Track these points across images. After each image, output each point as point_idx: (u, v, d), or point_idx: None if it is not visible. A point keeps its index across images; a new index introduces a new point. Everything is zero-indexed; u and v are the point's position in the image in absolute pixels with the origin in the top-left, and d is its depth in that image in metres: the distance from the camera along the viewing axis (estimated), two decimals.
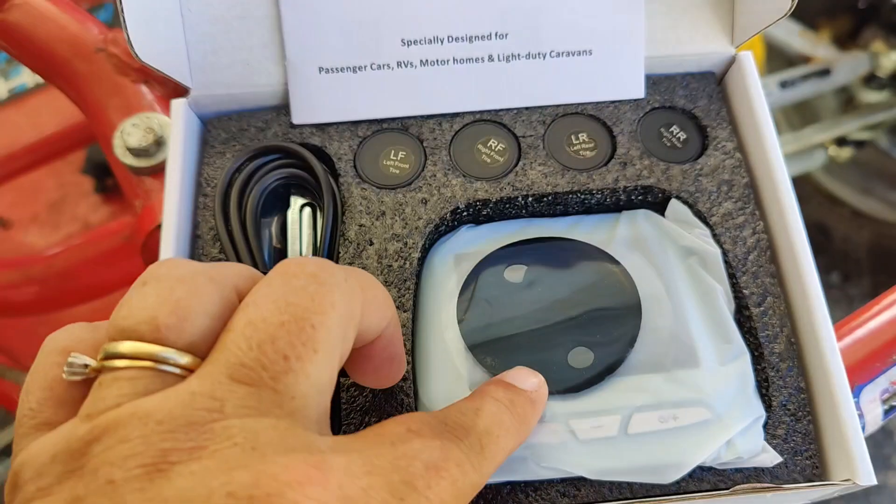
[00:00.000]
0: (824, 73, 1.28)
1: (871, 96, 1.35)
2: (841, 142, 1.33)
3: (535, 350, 0.41)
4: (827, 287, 1.44)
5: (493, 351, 0.40)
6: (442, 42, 0.45)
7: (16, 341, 0.81)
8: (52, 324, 0.76)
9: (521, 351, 0.41)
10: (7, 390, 0.81)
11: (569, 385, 0.40)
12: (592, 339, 0.41)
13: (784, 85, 1.25)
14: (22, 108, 0.91)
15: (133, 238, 0.63)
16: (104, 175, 0.89)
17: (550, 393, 0.39)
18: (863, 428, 0.52)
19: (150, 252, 0.54)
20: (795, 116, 1.45)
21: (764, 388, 0.41)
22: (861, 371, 0.52)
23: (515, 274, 0.43)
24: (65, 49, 0.58)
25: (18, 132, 0.89)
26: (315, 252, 0.44)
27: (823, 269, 1.47)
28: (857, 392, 0.52)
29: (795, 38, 1.34)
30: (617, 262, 0.43)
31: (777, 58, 1.38)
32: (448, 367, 0.40)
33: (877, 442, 1.38)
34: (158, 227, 0.52)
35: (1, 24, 0.57)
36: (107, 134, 0.58)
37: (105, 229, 0.83)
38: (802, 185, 1.47)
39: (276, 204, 0.45)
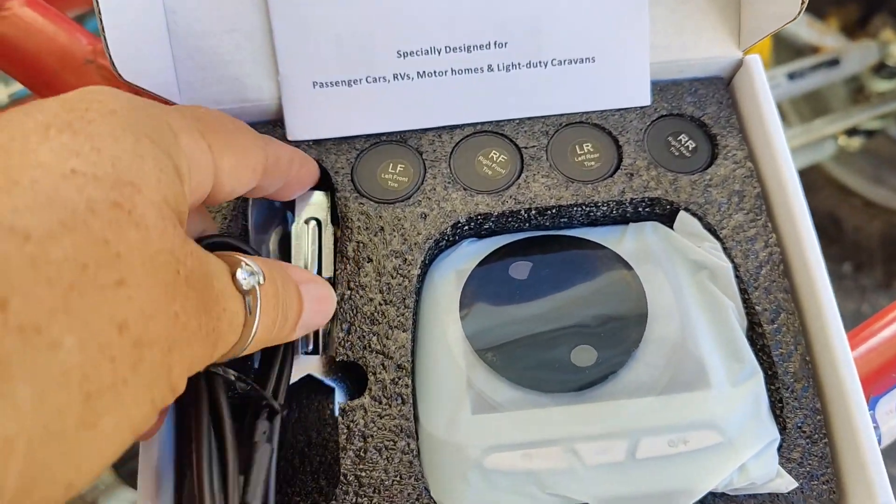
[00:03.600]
0: (833, 63, 1.25)
1: (881, 85, 1.33)
2: (851, 131, 1.31)
3: (538, 348, 0.40)
4: (839, 278, 1.42)
5: (498, 352, 0.39)
6: (439, 53, 0.43)
7: None
8: None
9: (524, 349, 0.40)
10: None
11: (571, 384, 0.38)
12: (596, 338, 0.40)
13: (792, 76, 1.23)
14: None
15: None
16: None
17: (553, 392, 0.38)
18: (879, 440, 0.51)
19: None
20: (805, 107, 1.43)
21: (778, 409, 0.39)
22: (876, 382, 0.51)
23: (521, 271, 0.42)
24: (54, 61, 0.57)
25: None
26: (319, 270, 0.42)
27: (835, 259, 1.45)
28: (872, 404, 0.51)
29: (803, 27, 1.32)
30: (624, 262, 0.42)
31: (785, 49, 1.36)
32: (452, 389, 0.39)
33: None
34: None
35: None
36: None
37: None
38: (813, 175, 1.46)
39: (273, 218, 0.44)
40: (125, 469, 0.74)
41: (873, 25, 1.36)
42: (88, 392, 0.21)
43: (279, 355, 0.36)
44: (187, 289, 0.25)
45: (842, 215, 1.46)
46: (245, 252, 0.34)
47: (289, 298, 0.32)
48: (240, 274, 0.28)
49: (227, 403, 0.32)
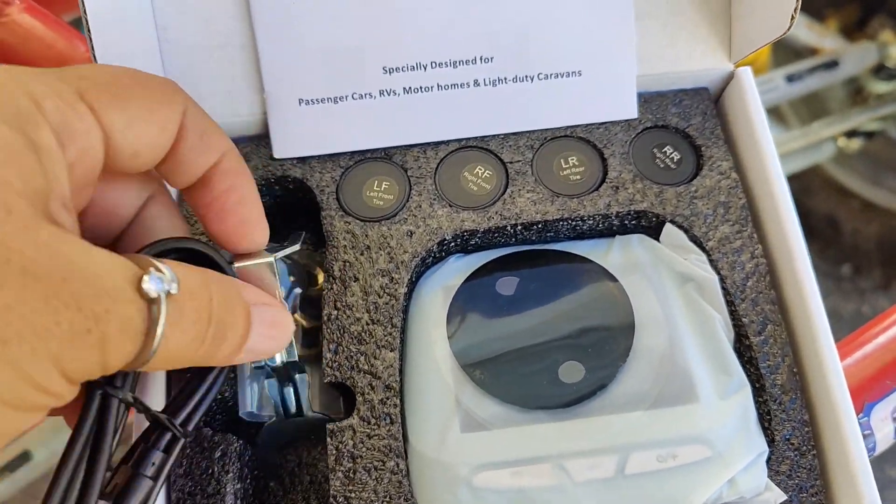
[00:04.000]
0: (832, 65, 1.25)
1: (880, 87, 1.33)
2: (850, 133, 1.31)
3: (526, 364, 0.40)
4: (838, 279, 1.41)
5: (485, 370, 0.39)
6: (425, 68, 0.43)
7: None
8: None
9: (512, 366, 0.39)
10: None
11: (559, 401, 0.38)
12: (584, 353, 0.40)
13: (791, 78, 1.23)
14: None
15: None
16: None
17: (541, 409, 0.38)
18: (873, 447, 0.50)
19: None
20: (803, 109, 1.42)
21: (766, 421, 0.39)
22: (871, 388, 0.51)
23: (508, 286, 0.42)
24: (52, 67, 0.57)
25: None
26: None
27: (833, 261, 1.44)
28: (867, 410, 0.51)
29: (802, 29, 1.31)
30: (611, 276, 0.42)
31: (783, 50, 1.36)
32: (440, 407, 0.39)
33: None
34: None
35: None
36: None
37: None
38: (811, 176, 1.45)
39: None
40: None
41: (872, 27, 1.36)
42: None
43: (207, 382, 0.34)
44: (25, 279, 0.23)
45: (840, 217, 1.46)
46: (213, 260, 0.33)
47: (229, 318, 0.30)
48: (146, 280, 0.26)
49: (115, 428, 0.30)
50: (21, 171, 0.24)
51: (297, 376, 0.40)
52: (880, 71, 1.31)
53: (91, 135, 0.28)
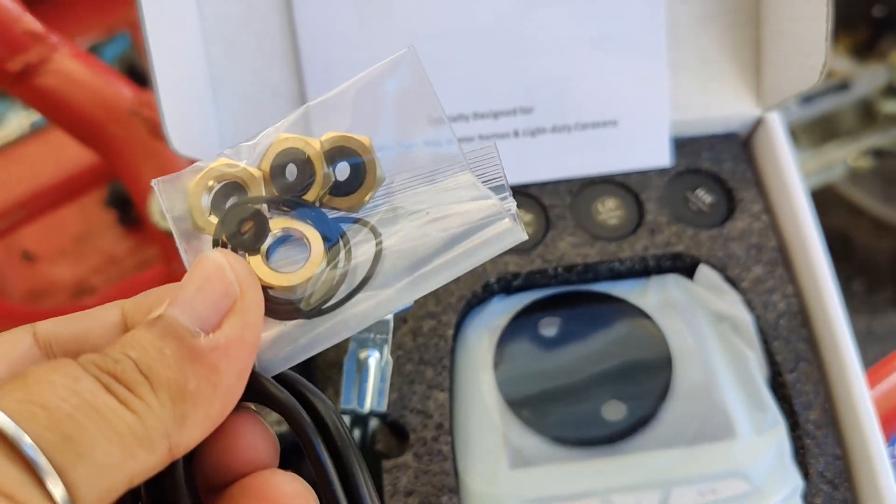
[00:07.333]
0: (843, 87, 1.27)
1: (890, 106, 1.34)
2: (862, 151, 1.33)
3: (570, 403, 0.42)
4: (850, 295, 1.42)
5: (531, 409, 0.41)
6: (468, 119, 0.46)
7: None
8: None
9: (557, 405, 0.42)
10: None
11: (603, 438, 0.41)
12: (625, 392, 0.42)
13: (803, 102, 1.25)
14: (44, 141, 0.91)
15: None
16: (127, 208, 0.90)
17: (587, 445, 0.40)
18: None
19: None
20: (814, 131, 1.44)
21: (800, 455, 0.41)
22: None
23: (550, 327, 0.44)
24: (99, 113, 0.59)
25: (42, 167, 0.89)
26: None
27: (846, 277, 1.46)
28: (894, 440, 0.52)
29: None
30: (648, 317, 0.44)
31: None
32: (489, 444, 0.41)
33: None
34: None
35: (36, 90, 0.58)
36: (143, 196, 0.59)
37: (138, 279, 0.84)
38: (823, 195, 1.47)
39: None
40: None
41: (881, 47, 1.38)
42: None
43: None
44: None
45: (852, 234, 1.47)
46: None
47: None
48: None
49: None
50: None
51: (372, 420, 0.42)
52: (891, 92, 1.33)
53: None
